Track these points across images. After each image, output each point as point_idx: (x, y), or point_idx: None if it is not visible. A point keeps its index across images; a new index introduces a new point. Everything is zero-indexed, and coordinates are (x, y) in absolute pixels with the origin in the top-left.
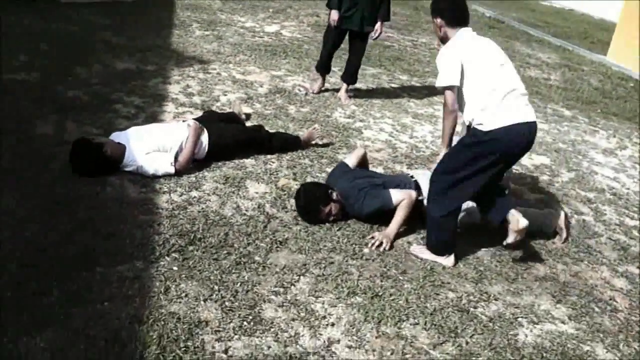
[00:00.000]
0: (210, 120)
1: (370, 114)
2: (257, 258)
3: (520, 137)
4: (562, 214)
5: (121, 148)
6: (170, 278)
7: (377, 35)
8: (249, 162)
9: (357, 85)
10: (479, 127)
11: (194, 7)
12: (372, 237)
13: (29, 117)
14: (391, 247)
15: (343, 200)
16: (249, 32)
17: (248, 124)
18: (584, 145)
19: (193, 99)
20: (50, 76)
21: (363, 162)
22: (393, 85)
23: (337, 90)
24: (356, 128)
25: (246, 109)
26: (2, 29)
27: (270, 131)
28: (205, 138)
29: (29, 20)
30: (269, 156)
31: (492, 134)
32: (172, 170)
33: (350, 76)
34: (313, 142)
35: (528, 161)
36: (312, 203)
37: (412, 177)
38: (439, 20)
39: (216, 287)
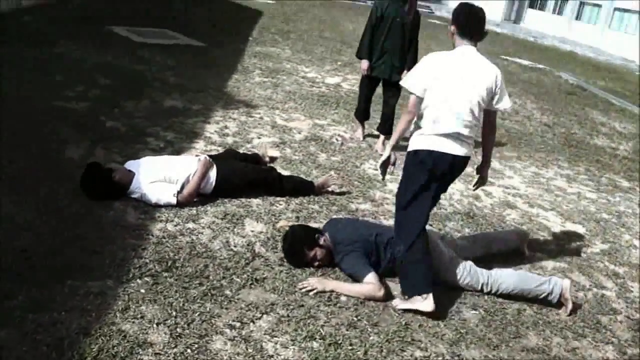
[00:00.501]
0: (225, 157)
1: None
2: (227, 292)
3: (441, 164)
4: (567, 284)
5: (130, 175)
6: (133, 299)
7: None
8: (255, 201)
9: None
10: (409, 148)
11: (263, 55)
12: (307, 281)
13: (64, 142)
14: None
15: (332, 246)
16: (308, 82)
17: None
18: (633, 217)
19: (226, 139)
20: (98, 107)
21: None
22: None
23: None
24: (382, 180)
25: (273, 152)
26: (69, 62)
27: (284, 173)
28: (213, 173)
29: (99, 56)
30: (278, 198)
31: (418, 155)
32: (173, 201)
33: (383, 126)
34: (329, 189)
35: (559, 227)
36: (296, 245)
37: None
38: (452, 27)
39: (174, 314)
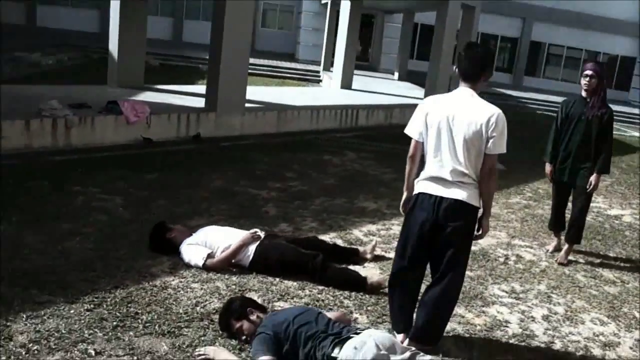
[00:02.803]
0: (285, 238)
1: (550, 296)
2: (135, 325)
3: (426, 205)
4: None
5: (185, 236)
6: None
7: (590, 188)
8: (290, 283)
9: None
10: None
11: None
12: (204, 348)
13: (204, 213)
14: None
15: None
16: None
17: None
18: None
19: (369, 237)
20: (281, 200)
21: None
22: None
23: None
24: (486, 298)
25: (377, 252)
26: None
27: (335, 265)
28: (252, 247)
29: (353, 162)
30: (321, 287)
31: (411, 200)
32: (200, 264)
33: (567, 233)
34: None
35: None
36: (225, 313)
37: (357, 332)
38: (456, 69)
39: (61, 327)
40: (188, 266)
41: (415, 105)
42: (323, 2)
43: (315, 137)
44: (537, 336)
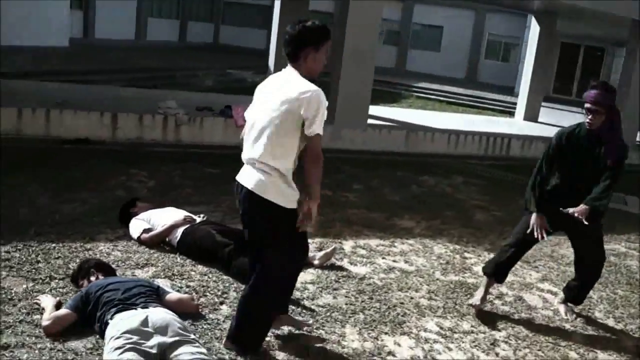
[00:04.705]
0: (216, 227)
1: (498, 344)
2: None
3: (237, 194)
4: None
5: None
6: None
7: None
8: (198, 267)
9: None
10: None
11: None
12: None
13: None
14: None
15: None
16: None
17: None
18: None
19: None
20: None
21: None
22: None
23: None
24: (402, 327)
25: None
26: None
27: (243, 258)
28: (181, 230)
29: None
30: (226, 277)
31: None
32: (135, 236)
33: (570, 291)
34: None
35: None
36: (76, 270)
37: (146, 307)
38: None
39: None
40: (130, 238)
41: None
42: None
43: (444, 161)
44: None
